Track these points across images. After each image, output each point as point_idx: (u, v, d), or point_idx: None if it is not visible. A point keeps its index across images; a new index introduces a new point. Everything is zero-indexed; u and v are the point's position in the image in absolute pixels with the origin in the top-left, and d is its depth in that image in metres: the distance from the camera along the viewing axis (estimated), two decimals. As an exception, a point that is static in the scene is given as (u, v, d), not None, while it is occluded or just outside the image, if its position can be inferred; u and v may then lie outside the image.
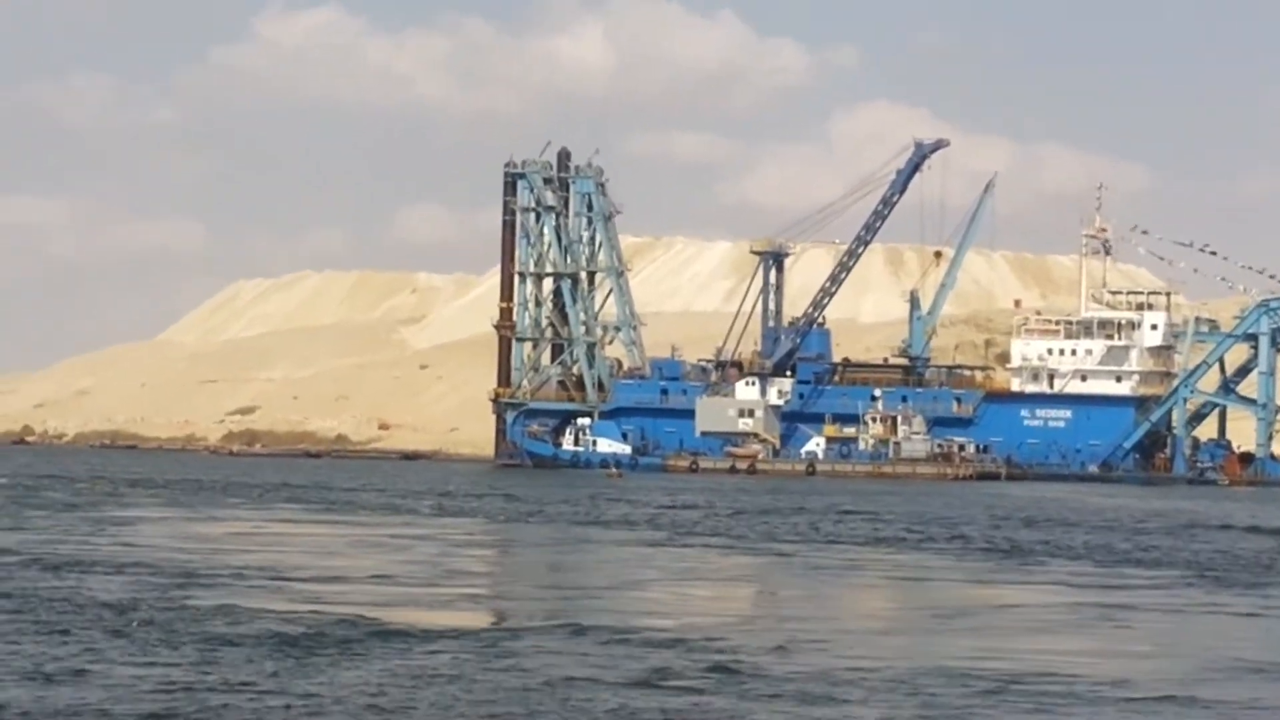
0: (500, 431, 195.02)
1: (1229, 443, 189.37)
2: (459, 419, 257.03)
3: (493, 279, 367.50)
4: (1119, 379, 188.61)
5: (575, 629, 35.28)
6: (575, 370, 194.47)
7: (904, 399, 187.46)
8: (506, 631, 35.04)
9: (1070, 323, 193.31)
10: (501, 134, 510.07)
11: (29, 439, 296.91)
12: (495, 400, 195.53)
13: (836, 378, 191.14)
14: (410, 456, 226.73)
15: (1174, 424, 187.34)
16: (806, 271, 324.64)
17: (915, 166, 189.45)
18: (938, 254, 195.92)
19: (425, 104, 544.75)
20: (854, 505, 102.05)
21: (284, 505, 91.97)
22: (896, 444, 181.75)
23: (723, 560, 58.21)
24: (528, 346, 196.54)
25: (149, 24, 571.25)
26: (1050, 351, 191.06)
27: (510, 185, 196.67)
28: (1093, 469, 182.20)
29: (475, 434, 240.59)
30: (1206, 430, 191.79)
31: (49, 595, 39.62)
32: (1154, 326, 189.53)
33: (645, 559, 57.59)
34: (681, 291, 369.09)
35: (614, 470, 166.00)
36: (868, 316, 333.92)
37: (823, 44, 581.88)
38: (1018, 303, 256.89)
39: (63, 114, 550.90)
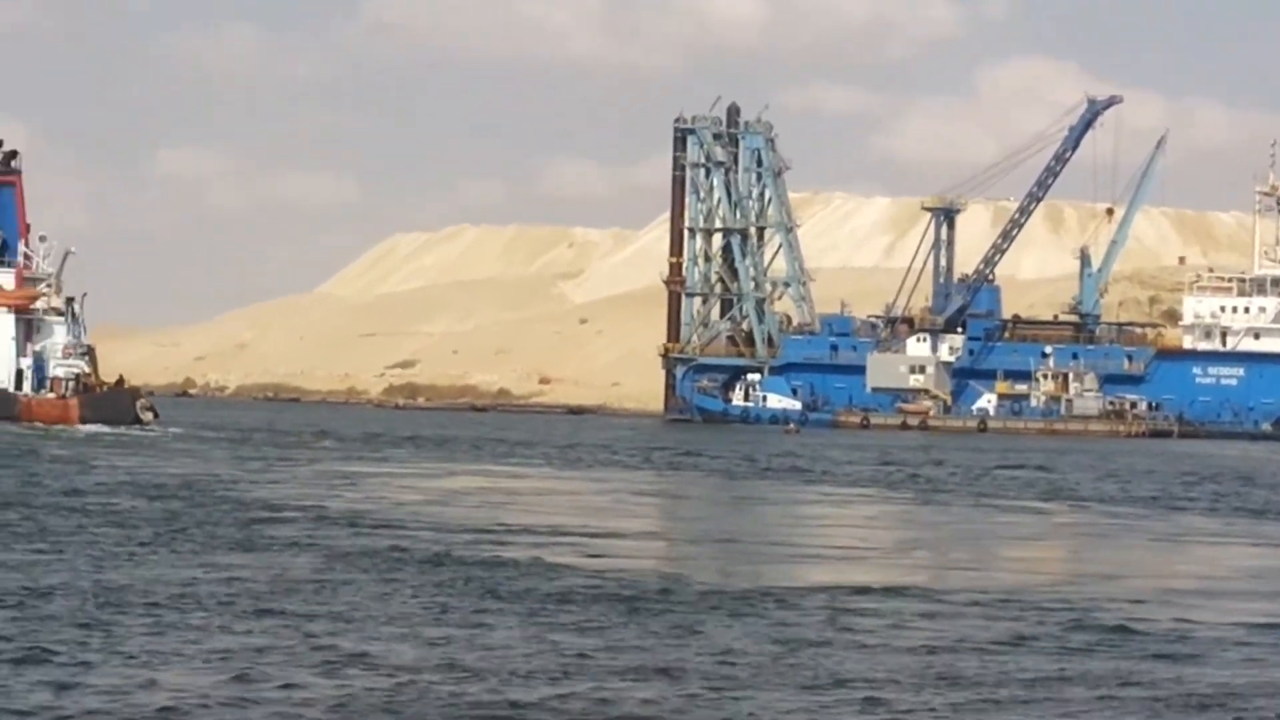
0: (669, 387, 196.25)
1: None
2: (620, 373, 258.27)
3: (651, 234, 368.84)
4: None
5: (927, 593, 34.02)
6: (744, 326, 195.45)
7: (1074, 356, 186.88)
8: (857, 591, 33.76)
9: (1243, 280, 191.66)
10: (652, 88, 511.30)
11: (191, 391, 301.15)
12: (665, 355, 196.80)
13: (1006, 334, 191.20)
14: (576, 411, 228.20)
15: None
16: (964, 228, 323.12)
17: (1088, 123, 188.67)
18: (1109, 211, 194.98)
19: (577, 58, 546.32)
20: (1102, 465, 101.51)
21: (510, 460, 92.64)
22: (1068, 401, 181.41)
23: (1047, 522, 57.80)
24: (697, 302, 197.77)
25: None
26: (1223, 309, 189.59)
27: (680, 141, 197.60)
28: (1266, 427, 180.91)
29: (637, 389, 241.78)
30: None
31: (362, 550, 39.08)
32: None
33: (967, 519, 57.07)
34: (840, 247, 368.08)
35: (791, 426, 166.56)
36: (1027, 273, 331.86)
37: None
38: (1182, 260, 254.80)
39: (217, 66, 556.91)
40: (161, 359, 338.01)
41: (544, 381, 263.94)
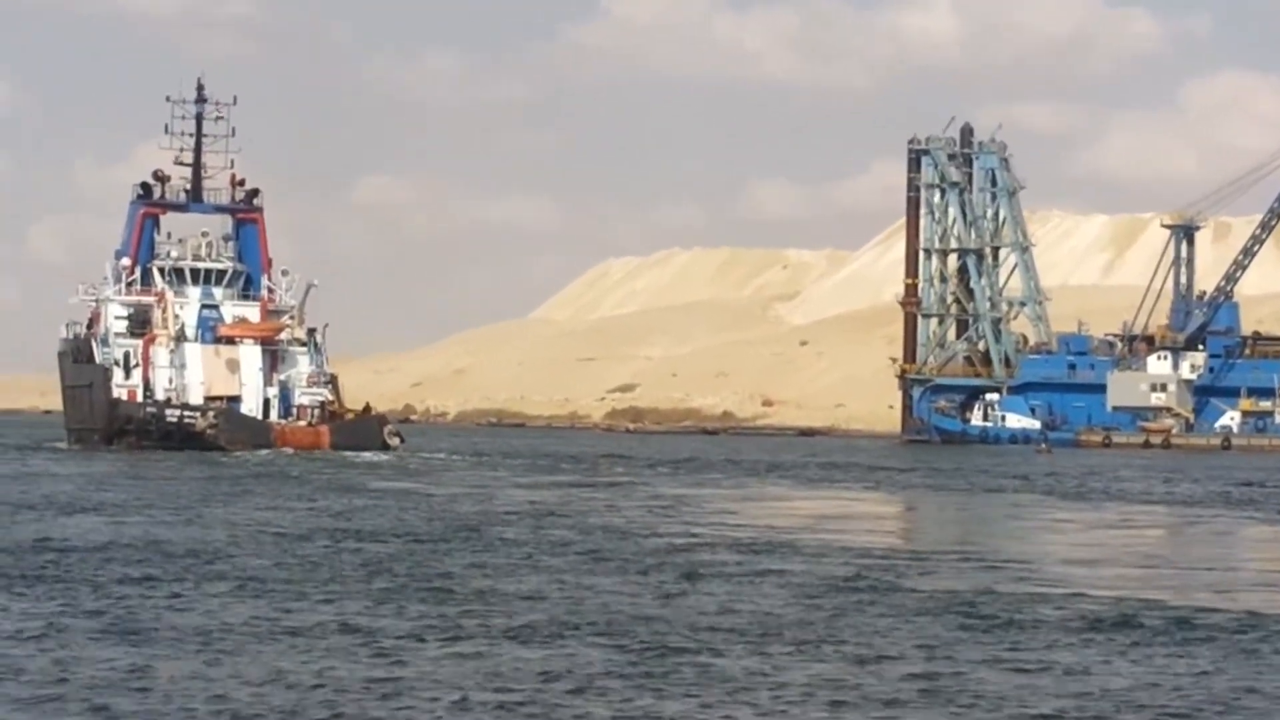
0: (906, 407, 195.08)
1: None
2: (843, 395, 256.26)
3: (866, 255, 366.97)
4: None
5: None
6: (981, 346, 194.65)
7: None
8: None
9: None
10: (849, 108, 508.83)
11: (412, 418, 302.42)
12: (902, 376, 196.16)
13: (1248, 351, 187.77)
14: (807, 433, 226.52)
15: None
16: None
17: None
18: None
19: (774, 79, 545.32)
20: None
21: (815, 481, 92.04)
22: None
23: None
24: (933, 322, 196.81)
25: (499, 3, 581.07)
26: None
27: (914, 161, 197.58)
28: None
29: (862, 410, 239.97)
30: None
31: (832, 579, 38.22)
32: None
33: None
34: (1060, 265, 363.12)
35: (1044, 446, 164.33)
36: (1251, 289, 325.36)
37: (1175, 12, 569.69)
38: None
39: (415, 92, 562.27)
40: (379, 385, 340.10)
41: (766, 404, 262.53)
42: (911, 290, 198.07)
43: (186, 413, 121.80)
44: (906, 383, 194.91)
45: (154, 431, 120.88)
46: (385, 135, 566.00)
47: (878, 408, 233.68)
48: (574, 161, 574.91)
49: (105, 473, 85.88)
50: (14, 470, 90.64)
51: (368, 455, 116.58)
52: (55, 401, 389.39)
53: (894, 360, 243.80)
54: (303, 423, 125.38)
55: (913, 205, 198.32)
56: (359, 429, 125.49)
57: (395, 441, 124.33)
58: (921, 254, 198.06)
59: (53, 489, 71.00)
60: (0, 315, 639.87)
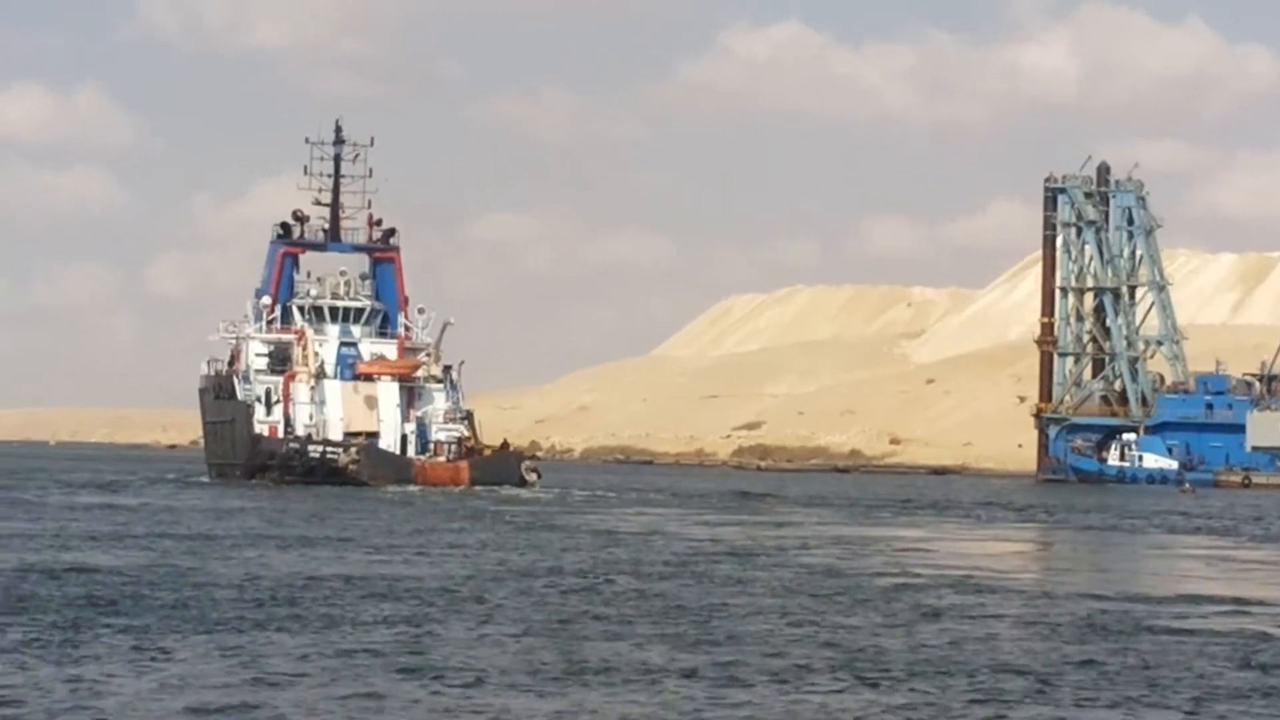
0: (1042, 446, 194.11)
1: None
2: (971, 433, 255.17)
3: (991, 294, 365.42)
4: None
5: None
6: (1117, 385, 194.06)
7: None
8: None
9: None
10: (966, 145, 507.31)
11: (538, 454, 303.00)
12: (1037, 415, 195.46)
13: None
14: (938, 471, 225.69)
15: None
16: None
17: None
18: None
19: (891, 116, 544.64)
20: None
21: (998, 522, 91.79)
22: None
23: None
24: (1069, 361, 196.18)
25: (616, 40, 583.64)
26: None
27: (1050, 200, 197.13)
28: None
29: (991, 448, 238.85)
30: None
31: (1035, 621, 37.82)
32: None
33: None
34: (1187, 304, 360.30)
35: (1187, 486, 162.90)
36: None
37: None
38: None
39: (533, 130, 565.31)
40: (503, 421, 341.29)
41: (894, 442, 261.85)
42: (1048, 329, 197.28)
43: (329, 448, 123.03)
44: (1042, 422, 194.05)
45: (297, 467, 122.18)
46: (503, 173, 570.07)
47: (1006, 446, 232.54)
48: (690, 199, 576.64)
49: (280, 508, 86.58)
50: (193, 504, 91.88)
51: (512, 490, 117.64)
52: (176, 435, 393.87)
53: (1021, 399, 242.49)
54: (441, 458, 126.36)
55: (1049, 243, 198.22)
56: (498, 464, 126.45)
57: (533, 477, 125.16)
58: (1058, 292, 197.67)
59: (242, 524, 71.90)
60: (119, 351, 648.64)
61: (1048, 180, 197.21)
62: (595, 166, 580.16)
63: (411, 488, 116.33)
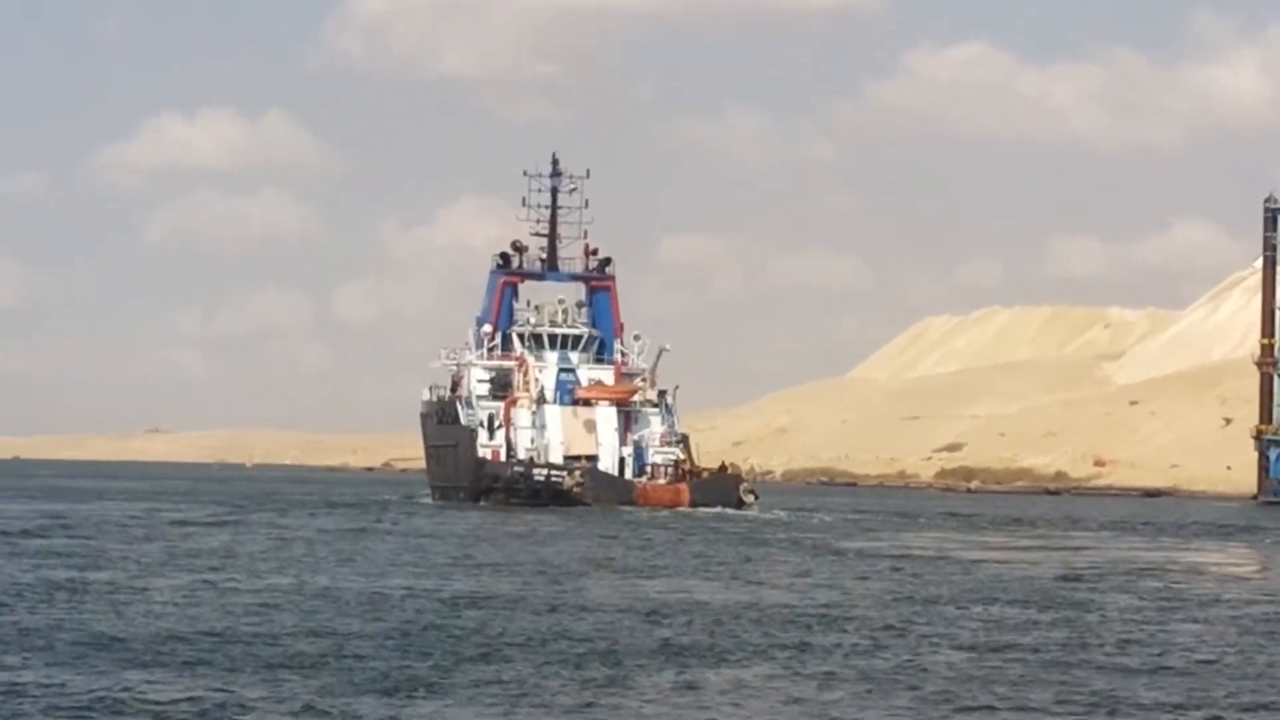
0: (1263, 469, 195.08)
1: None
2: (1177, 455, 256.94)
3: (1193, 315, 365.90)
4: None
5: None
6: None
7: None
8: None
9: None
10: (1155, 165, 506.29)
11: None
12: (1257, 437, 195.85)
13: None
14: (1151, 494, 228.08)
15: None
16: None
17: None
18: None
19: (1078, 136, 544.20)
20: None
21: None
22: None
23: None
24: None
25: (802, 62, 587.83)
26: None
27: (1270, 220, 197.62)
28: None
29: (1199, 470, 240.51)
30: None
31: None
32: None
33: None
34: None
35: None
36: None
37: None
38: None
39: (722, 152, 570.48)
40: (700, 443, 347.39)
41: (1099, 464, 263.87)
42: (1268, 350, 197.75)
43: (553, 471, 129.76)
44: (1262, 443, 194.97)
45: (521, 489, 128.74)
46: (692, 194, 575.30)
47: (1214, 469, 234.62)
48: (878, 220, 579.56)
49: (562, 532, 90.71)
50: (465, 528, 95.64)
51: (734, 511, 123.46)
52: (366, 458, 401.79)
53: (1227, 420, 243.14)
54: (660, 481, 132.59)
55: (1269, 264, 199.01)
56: (716, 486, 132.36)
57: (750, 499, 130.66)
58: (1278, 313, 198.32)
59: (566, 549, 75.06)
60: (309, 375, 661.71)
61: (1268, 200, 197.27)
62: (782, 188, 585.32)
63: (642, 512, 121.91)
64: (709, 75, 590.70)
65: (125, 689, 33.24)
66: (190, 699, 32.35)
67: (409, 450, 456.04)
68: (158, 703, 31.99)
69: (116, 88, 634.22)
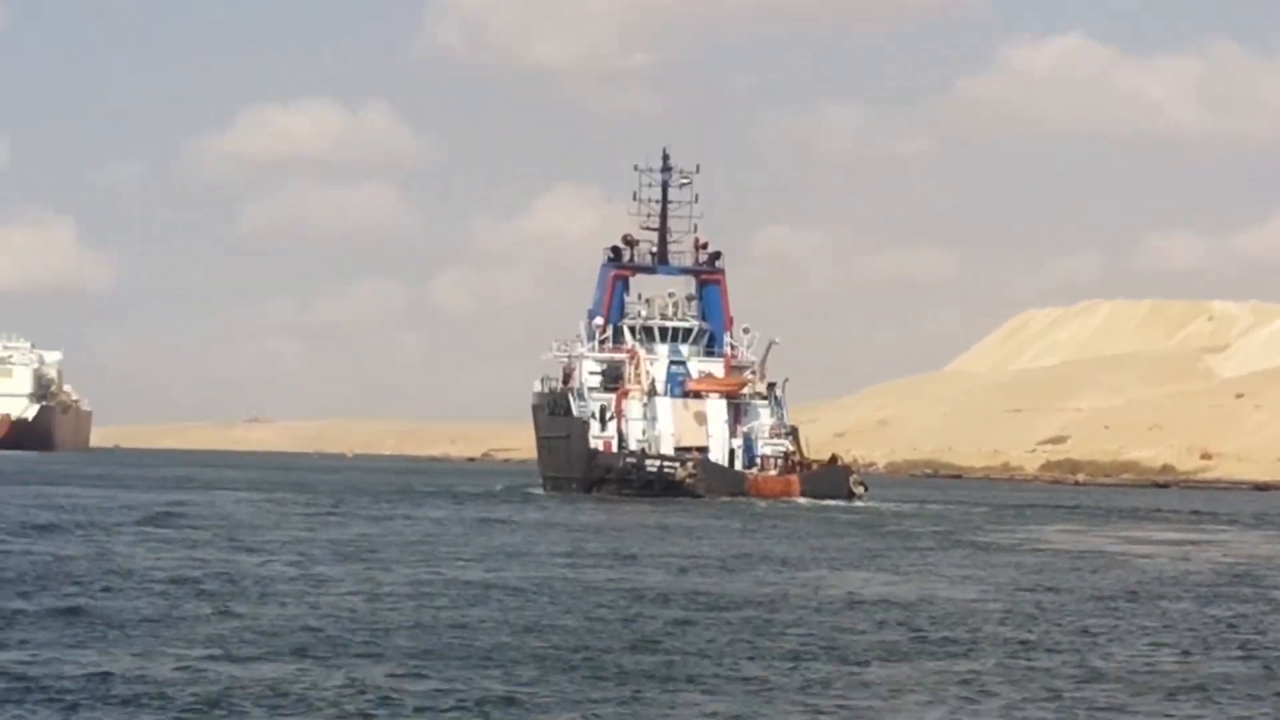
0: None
1: None
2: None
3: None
4: None
5: None
6: None
7: None
8: None
9: None
10: (1254, 158, 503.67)
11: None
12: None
13: None
14: (1261, 487, 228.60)
15: None
16: None
17: None
18: None
19: (1177, 130, 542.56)
20: None
21: None
22: None
23: None
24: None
25: (899, 54, 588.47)
26: None
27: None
28: None
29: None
30: None
31: None
32: None
33: None
34: None
35: None
36: None
37: None
38: None
39: (817, 145, 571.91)
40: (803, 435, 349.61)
41: (1205, 457, 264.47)
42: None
43: (665, 463, 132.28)
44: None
45: (634, 480, 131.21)
46: (787, 187, 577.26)
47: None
48: (974, 213, 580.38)
49: (690, 525, 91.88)
50: (616, 520, 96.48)
51: (837, 503, 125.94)
52: (465, 448, 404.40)
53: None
54: (770, 472, 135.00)
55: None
56: (826, 478, 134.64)
57: (860, 490, 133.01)
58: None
59: (754, 543, 76.12)
60: (405, 365, 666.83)
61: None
62: (878, 181, 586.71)
63: (759, 503, 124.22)
64: (805, 67, 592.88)
65: (382, 685, 33.76)
66: (441, 691, 33.14)
67: (507, 440, 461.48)
68: (419, 694, 32.84)
69: (216, 78, 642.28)
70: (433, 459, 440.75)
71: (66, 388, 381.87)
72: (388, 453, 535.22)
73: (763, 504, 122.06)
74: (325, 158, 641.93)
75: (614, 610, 46.52)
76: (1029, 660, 38.65)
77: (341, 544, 70.81)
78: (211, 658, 36.45)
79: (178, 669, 34.74)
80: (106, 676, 33.73)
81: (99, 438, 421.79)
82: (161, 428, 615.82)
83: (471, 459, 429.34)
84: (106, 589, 49.44)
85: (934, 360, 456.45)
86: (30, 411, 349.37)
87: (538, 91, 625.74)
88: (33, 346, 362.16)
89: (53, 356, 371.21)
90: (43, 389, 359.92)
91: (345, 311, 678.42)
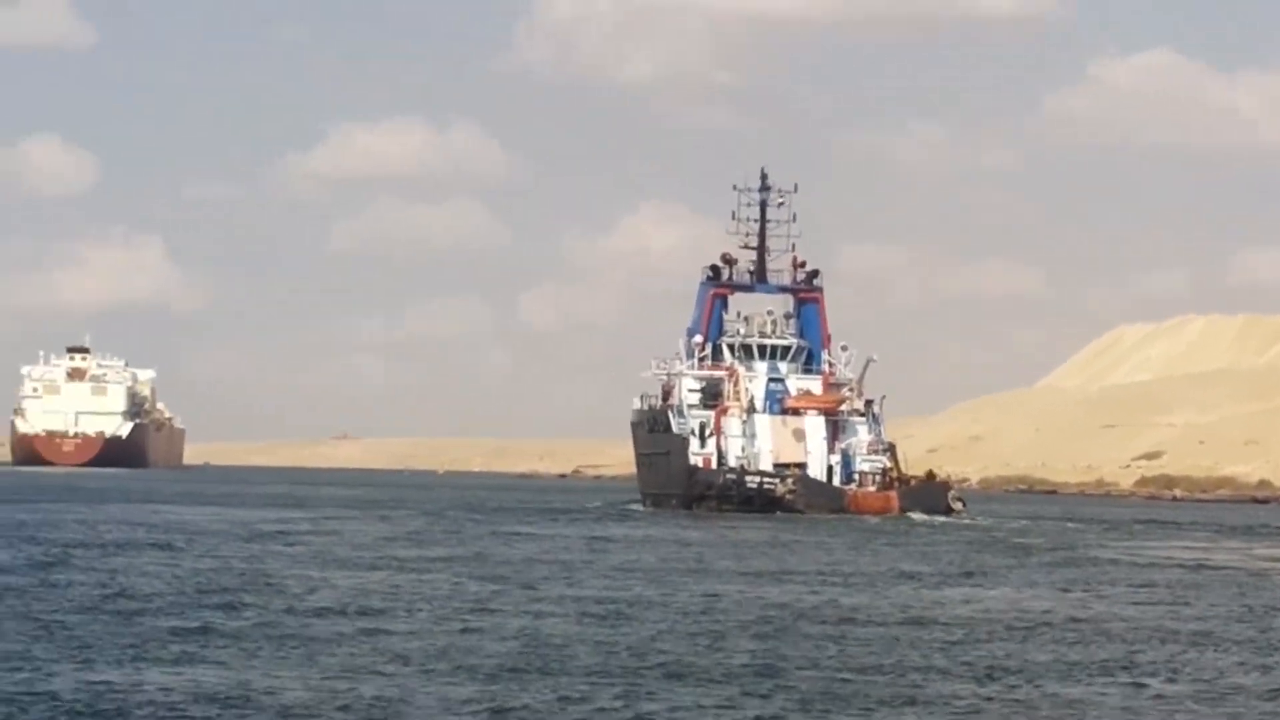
0: None
1: None
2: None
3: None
4: None
5: None
6: None
7: None
8: None
9: None
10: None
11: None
12: None
13: None
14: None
15: None
16: None
17: None
18: None
19: (1267, 145, 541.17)
20: None
21: None
22: None
23: None
24: None
25: (983, 70, 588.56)
26: None
27: None
28: None
29: None
30: None
31: None
32: None
33: None
34: None
35: None
36: None
37: None
38: None
39: (903, 160, 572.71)
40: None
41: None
42: None
43: (765, 479, 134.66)
44: None
45: (734, 496, 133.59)
46: (871, 203, 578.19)
47: None
48: (1059, 229, 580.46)
49: (808, 541, 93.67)
50: (738, 537, 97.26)
51: (942, 518, 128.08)
52: (554, 464, 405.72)
53: None
54: (870, 488, 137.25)
55: None
56: (925, 494, 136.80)
57: (958, 506, 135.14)
58: None
59: (838, 558, 77.71)
60: (493, 382, 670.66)
61: None
62: (963, 197, 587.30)
63: (869, 518, 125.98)
64: (890, 83, 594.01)
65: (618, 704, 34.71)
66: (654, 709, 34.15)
67: (595, 457, 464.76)
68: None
69: (303, 96, 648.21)
70: (521, 476, 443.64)
71: (160, 405, 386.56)
72: (476, 469, 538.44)
73: (874, 520, 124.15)
74: (413, 175, 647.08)
75: (814, 627, 47.86)
76: (1221, 678, 39.50)
77: (496, 562, 72.37)
78: (425, 674, 37.99)
79: (386, 688, 36.13)
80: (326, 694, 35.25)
81: (188, 456, 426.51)
82: (249, 445, 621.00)
83: (562, 475, 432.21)
84: (289, 607, 51.25)
85: (1022, 376, 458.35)
86: (124, 429, 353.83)
87: (625, 108, 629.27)
88: (126, 365, 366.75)
89: (146, 374, 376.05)
90: (136, 407, 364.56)
91: (432, 329, 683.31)
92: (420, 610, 51.42)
